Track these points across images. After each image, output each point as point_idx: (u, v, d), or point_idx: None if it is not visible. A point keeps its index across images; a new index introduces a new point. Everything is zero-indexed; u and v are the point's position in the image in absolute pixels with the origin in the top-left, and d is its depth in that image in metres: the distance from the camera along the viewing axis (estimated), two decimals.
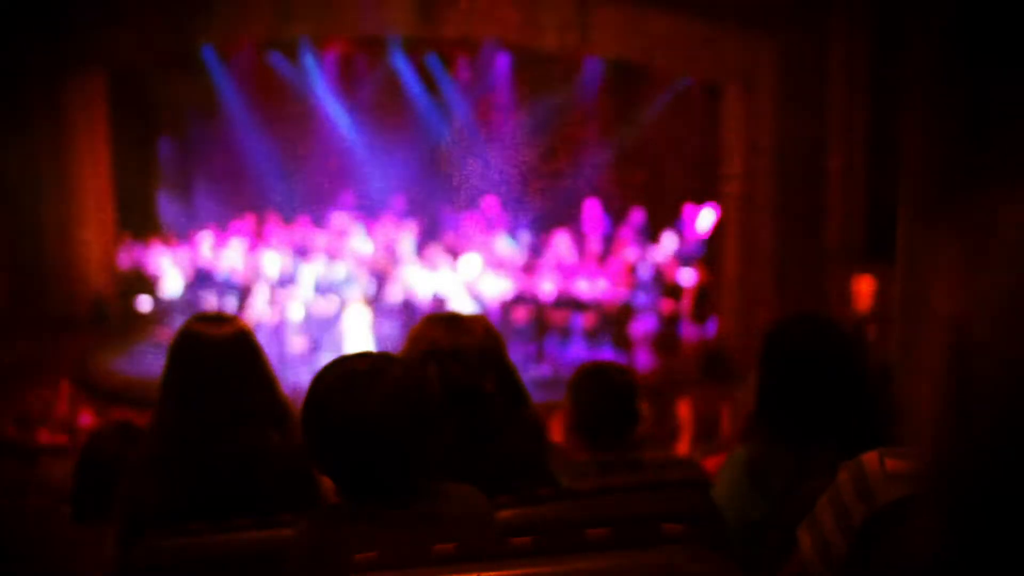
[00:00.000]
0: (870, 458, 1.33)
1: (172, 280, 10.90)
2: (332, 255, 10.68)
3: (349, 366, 1.74)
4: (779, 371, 2.24)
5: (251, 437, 2.31)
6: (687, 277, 10.51)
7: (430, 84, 11.88)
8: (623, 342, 10.21)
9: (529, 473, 2.12)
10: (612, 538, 1.37)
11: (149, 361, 9.58)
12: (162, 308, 10.83)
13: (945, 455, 0.70)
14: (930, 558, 0.70)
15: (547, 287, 10.22)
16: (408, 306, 10.10)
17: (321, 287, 10.37)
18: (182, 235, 11.46)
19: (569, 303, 10.19)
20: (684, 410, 4.63)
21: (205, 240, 11.13)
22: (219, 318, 2.44)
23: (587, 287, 10.35)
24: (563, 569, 1.35)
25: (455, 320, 2.18)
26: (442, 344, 2.09)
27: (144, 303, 10.92)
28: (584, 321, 10.15)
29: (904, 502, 1.22)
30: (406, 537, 1.60)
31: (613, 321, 10.26)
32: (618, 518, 1.77)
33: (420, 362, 2.05)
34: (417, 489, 1.73)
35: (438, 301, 10.04)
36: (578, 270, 10.59)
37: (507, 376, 2.15)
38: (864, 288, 8.12)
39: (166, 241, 11.41)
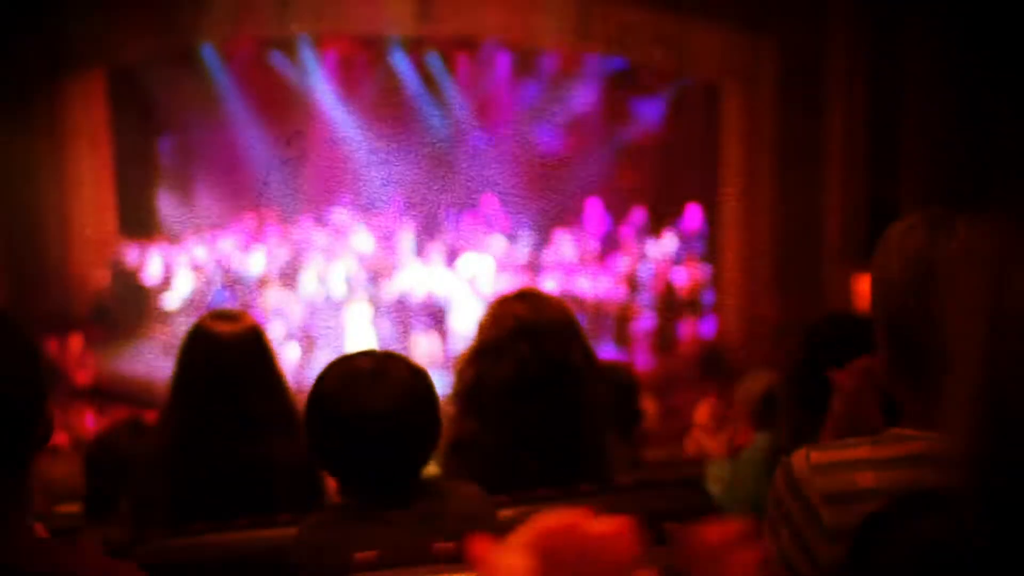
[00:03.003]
0: (798, 455, 1.34)
1: (171, 279, 10.89)
2: (332, 254, 10.68)
3: (352, 365, 1.73)
4: (817, 366, 2.25)
5: (257, 440, 2.30)
6: (685, 276, 10.50)
7: (430, 83, 11.87)
8: (623, 341, 10.21)
9: (589, 460, 2.06)
10: None
11: (150, 361, 9.59)
12: (163, 308, 10.82)
13: (982, 444, 0.70)
14: (965, 546, 0.71)
15: (548, 286, 10.21)
16: (407, 305, 10.10)
17: (321, 286, 10.37)
18: (182, 234, 11.45)
19: (570, 302, 10.18)
20: (703, 413, 4.59)
21: (205, 239, 11.12)
22: (231, 316, 2.41)
23: (588, 286, 10.35)
24: None
25: (534, 297, 2.12)
26: (529, 320, 2.03)
27: (163, 301, 10.88)
28: (585, 320, 10.15)
29: (869, 520, 1.23)
30: (407, 536, 1.60)
31: (613, 320, 10.26)
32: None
33: (510, 340, 2.01)
34: (419, 488, 1.73)
35: (437, 300, 10.04)
36: (579, 269, 10.59)
37: (588, 352, 2.09)
38: (863, 287, 8.11)
39: (166, 240, 11.40)
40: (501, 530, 1.67)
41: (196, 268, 10.90)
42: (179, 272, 10.93)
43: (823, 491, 1.29)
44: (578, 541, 0.73)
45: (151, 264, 11.09)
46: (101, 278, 11.09)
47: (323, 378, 1.74)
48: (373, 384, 1.68)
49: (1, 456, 1.24)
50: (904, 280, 1.31)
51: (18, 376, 1.25)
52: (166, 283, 10.93)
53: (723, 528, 0.80)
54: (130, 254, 11.26)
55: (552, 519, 0.74)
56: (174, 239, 11.38)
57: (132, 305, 11.02)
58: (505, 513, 1.91)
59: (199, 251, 11.06)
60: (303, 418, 1.75)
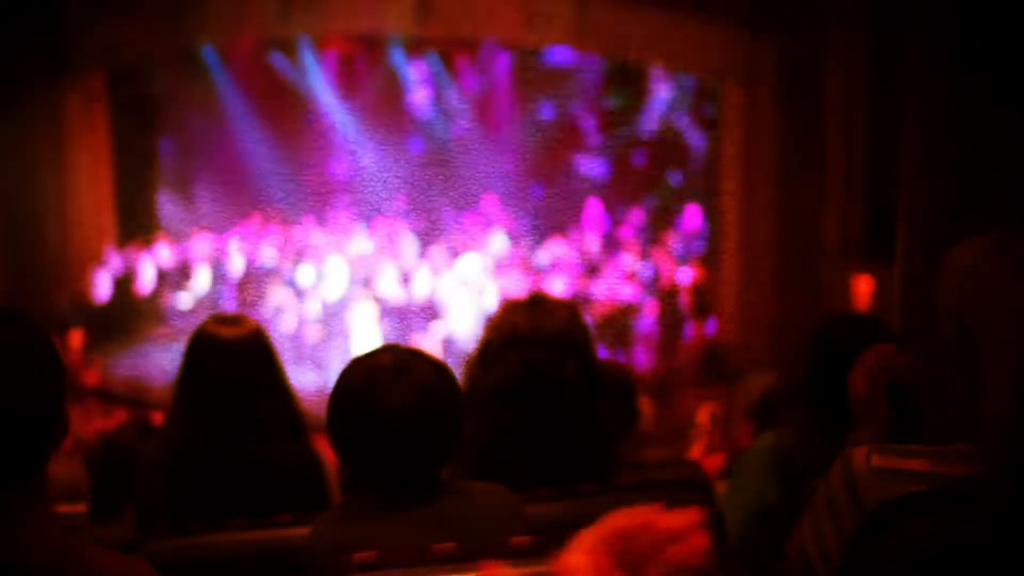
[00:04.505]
0: (859, 453, 1.34)
1: (172, 280, 10.89)
2: (332, 254, 10.68)
3: (375, 361, 1.73)
4: (828, 367, 2.25)
5: (260, 443, 2.30)
6: (686, 276, 10.51)
7: (430, 84, 11.88)
8: (624, 341, 10.21)
9: (587, 468, 2.05)
10: None
11: (148, 362, 9.60)
12: (162, 308, 10.82)
13: (1016, 437, 0.71)
14: (966, 544, 0.72)
15: (548, 287, 10.21)
16: (408, 305, 10.10)
17: (321, 287, 10.37)
18: (182, 235, 11.45)
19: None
20: (704, 415, 4.58)
21: (205, 240, 11.12)
22: (234, 319, 2.42)
23: (588, 287, 10.35)
24: None
25: (538, 304, 2.10)
26: (523, 329, 2.01)
27: (163, 302, 10.88)
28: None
29: (890, 506, 1.22)
30: (428, 535, 1.59)
31: (614, 320, 10.26)
32: None
33: (501, 348, 2.00)
34: (442, 486, 1.73)
35: (438, 301, 10.04)
36: (578, 269, 10.59)
37: (588, 366, 2.07)
38: (863, 287, 8.13)
39: (166, 240, 11.40)
40: (526, 530, 1.67)
41: (196, 269, 10.90)
42: (179, 272, 10.93)
43: (879, 501, 1.28)
44: (649, 537, 0.73)
45: (151, 264, 11.09)
46: (101, 278, 11.10)
47: (346, 374, 1.74)
48: (394, 382, 1.68)
49: (21, 455, 1.25)
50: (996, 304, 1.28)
51: (38, 376, 1.26)
52: (166, 284, 10.92)
53: (670, 517, 0.80)
54: (130, 254, 11.27)
55: (623, 516, 0.74)
56: (174, 239, 11.38)
57: (131, 306, 11.03)
58: (532, 509, 1.90)
59: (199, 251, 11.06)
60: (326, 413, 1.75)
